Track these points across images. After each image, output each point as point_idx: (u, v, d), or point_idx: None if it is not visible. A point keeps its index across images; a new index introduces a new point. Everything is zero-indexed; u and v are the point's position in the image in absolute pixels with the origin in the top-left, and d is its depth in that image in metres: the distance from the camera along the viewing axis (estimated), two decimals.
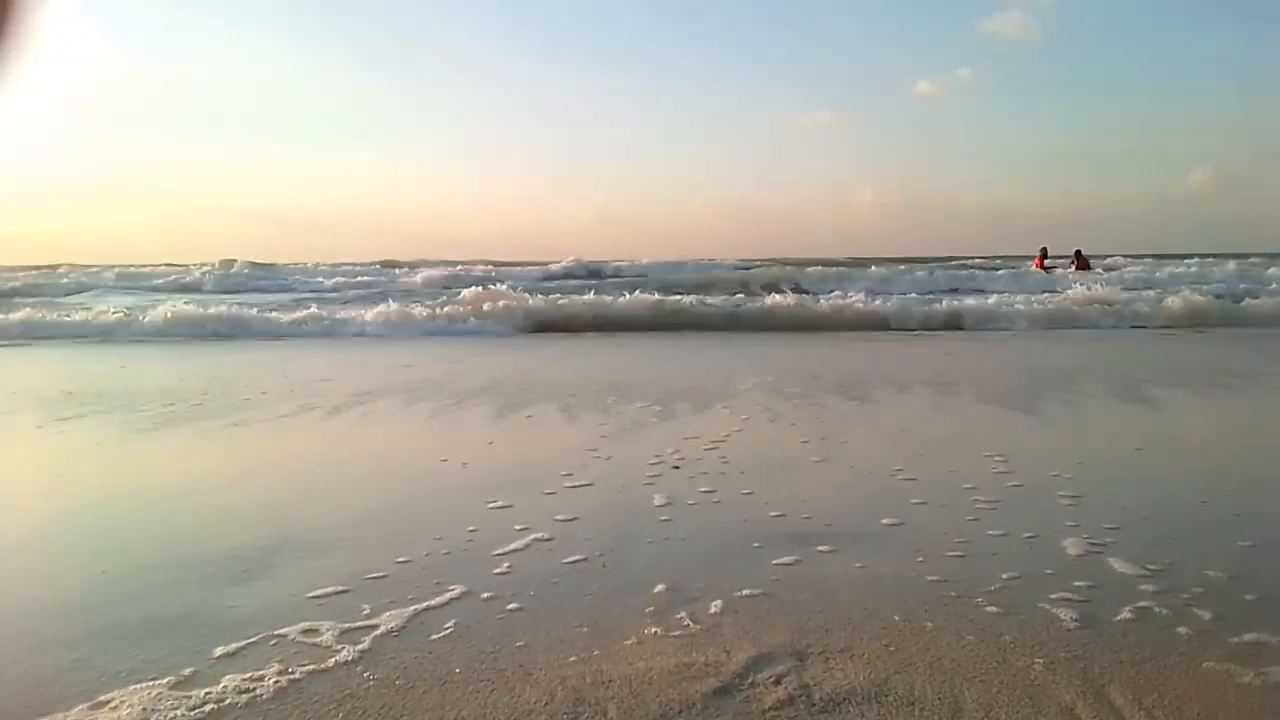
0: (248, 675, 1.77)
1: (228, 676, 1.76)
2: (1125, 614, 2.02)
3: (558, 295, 12.58)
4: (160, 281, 20.61)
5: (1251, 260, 21.76)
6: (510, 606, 2.11)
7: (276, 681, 1.74)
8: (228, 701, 1.67)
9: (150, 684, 1.74)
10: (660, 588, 2.23)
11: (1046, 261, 20.04)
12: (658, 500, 3.06)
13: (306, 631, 1.97)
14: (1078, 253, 19.95)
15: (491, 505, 3.00)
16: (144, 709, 1.64)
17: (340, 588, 2.24)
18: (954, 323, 10.95)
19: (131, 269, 23.94)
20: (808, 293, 13.64)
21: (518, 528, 2.72)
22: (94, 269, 23.67)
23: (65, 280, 20.91)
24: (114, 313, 11.56)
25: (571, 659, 1.84)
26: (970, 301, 12.15)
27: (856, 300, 12.05)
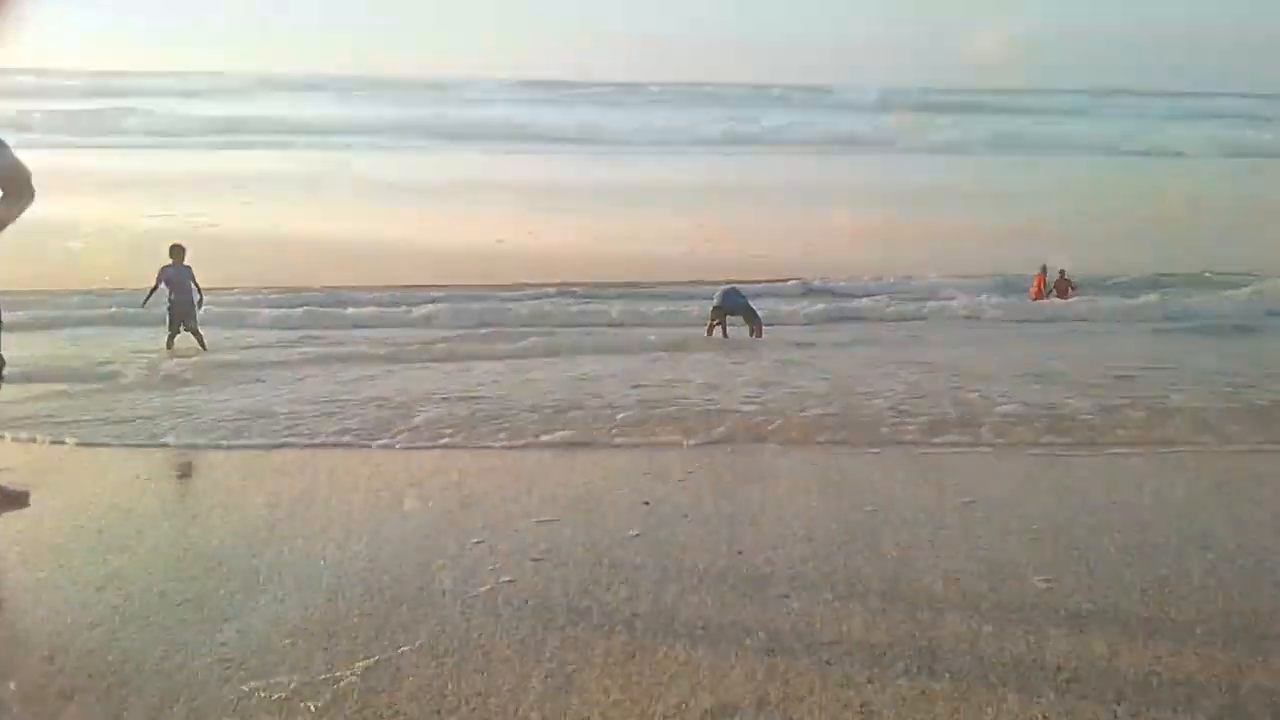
0: None
1: None
2: (1062, 673, 2.05)
3: None
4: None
5: None
6: (472, 655, 2.12)
7: None
8: None
9: None
10: (621, 634, 2.25)
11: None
12: (628, 534, 3.09)
13: (269, 686, 1.98)
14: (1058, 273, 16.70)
15: (459, 547, 3.00)
16: None
17: (302, 639, 2.24)
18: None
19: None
20: None
21: (489, 568, 2.74)
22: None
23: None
24: None
25: (531, 713, 1.86)
26: None
27: None
